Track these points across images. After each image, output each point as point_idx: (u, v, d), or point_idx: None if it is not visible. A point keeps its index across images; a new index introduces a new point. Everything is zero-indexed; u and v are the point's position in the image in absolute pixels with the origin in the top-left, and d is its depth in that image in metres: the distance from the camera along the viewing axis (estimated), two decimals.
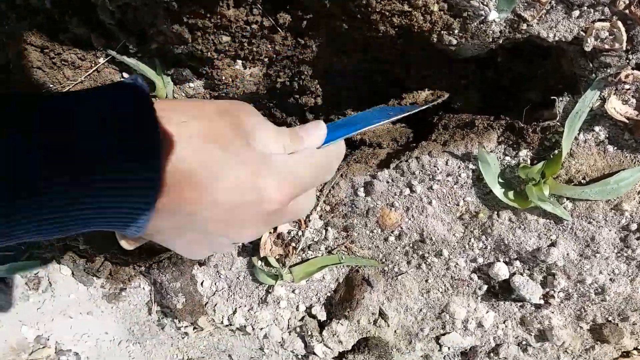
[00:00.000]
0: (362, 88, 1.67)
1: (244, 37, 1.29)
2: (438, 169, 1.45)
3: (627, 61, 1.23)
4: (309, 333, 1.71)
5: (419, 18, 1.21)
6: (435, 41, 1.26)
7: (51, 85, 1.43)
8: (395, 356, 1.69)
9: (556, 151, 1.37)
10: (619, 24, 1.17)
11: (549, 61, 1.40)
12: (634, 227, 1.39)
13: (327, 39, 1.37)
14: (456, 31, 1.23)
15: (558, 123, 1.35)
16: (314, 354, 1.75)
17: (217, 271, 1.78)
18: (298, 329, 1.75)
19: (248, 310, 1.77)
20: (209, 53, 1.30)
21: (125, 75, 1.47)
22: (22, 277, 1.97)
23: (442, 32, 1.23)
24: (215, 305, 1.80)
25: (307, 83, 1.53)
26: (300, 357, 1.83)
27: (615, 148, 1.36)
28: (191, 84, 1.42)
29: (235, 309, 1.79)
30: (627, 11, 1.16)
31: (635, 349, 1.60)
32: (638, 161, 1.36)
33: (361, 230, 1.60)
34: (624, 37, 1.17)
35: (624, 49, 1.19)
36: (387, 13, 1.22)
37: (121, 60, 1.40)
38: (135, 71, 1.41)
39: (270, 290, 1.74)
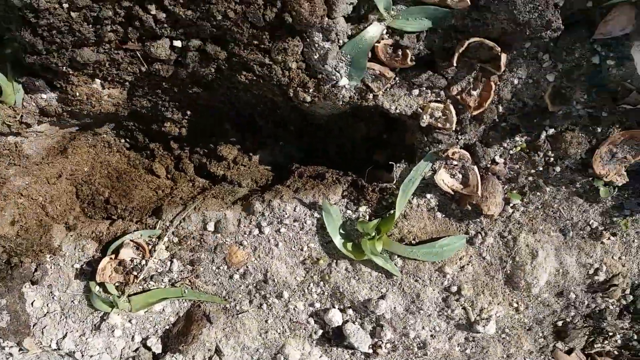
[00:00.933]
0: (230, 123, 1.70)
1: (107, 58, 1.27)
2: (286, 214, 1.51)
3: (457, 140, 1.37)
4: None
5: (278, 72, 1.27)
6: (292, 95, 1.32)
7: None
8: None
9: (391, 211, 1.48)
10: (451, 107, 1.31)
11: (395, 131, 1.53)
12: (454, 289, 1.52)
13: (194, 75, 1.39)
14: (311, 90, 1.30)
15: (394, 186, 1.46)
16: None
17: (51, 292, 1.68)
18: (131, 359, 1.69)
19: (79, 336, 1.68)
20: (63, 68, 1.27)
21: None
22: None
23: (299, 88, 1.30)
24: (45, 327, 1.69)
25: (170, 112, 1.53)
26: None
27: (444, 215, 1.50)
28: (44, 95, 1.36)
29: (66, 333, 1.69)
30: (459, 97, 1.30)
31: None
32: (462, 230, 1.50)
33: (207, 266, 1.60)
34: (454, 119, 1.31)
35: (454, 129, 1.34)
36: (251, 62, 1.27)
37: None
38: None
39: (105, 318, 1.66)
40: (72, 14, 1.13)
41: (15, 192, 1.53)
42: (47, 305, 1.69)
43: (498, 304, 1.55)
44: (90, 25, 1.18)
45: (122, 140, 1.72)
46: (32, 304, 1.68)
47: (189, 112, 1.56)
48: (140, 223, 1.63)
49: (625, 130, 1.29)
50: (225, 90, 1.44)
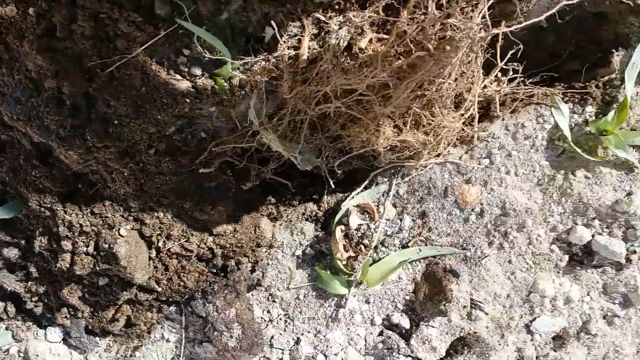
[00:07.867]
0: None
1: None
2: (520, 132, 1.47)
3: None
4: (395, 346, 1.47)
5: None
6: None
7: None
8: (491, 355, 1.52)
9: (615, 105, 1.48)
10: None
11: (586, 29, 1.57)
12: None
13: None
14: None
15: (617, 75, 1.48)
16: None
17: (270, 294, 1.50)
18: (380, 345, 1.49)
19: (315, 335, 1.49)
20: None
21: (186, 52, 1.30)
22: None
23: None
24: (272, 338, 1.48)
25: None
26: None
27: None
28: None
29: (298, 337, 1.49)
30: None
31: None
32: None
33: (438, 214, 1.50)
34: None
35: None
36: None
37: (189, 28, 1.23)
38: (203, 43, 1.23)
39: (340, 304, 1.50)
40: None
41: None
42: (269, 311, 1.50)
43: None
44: None
45: None
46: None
47: None
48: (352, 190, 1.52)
49: None
50: None
